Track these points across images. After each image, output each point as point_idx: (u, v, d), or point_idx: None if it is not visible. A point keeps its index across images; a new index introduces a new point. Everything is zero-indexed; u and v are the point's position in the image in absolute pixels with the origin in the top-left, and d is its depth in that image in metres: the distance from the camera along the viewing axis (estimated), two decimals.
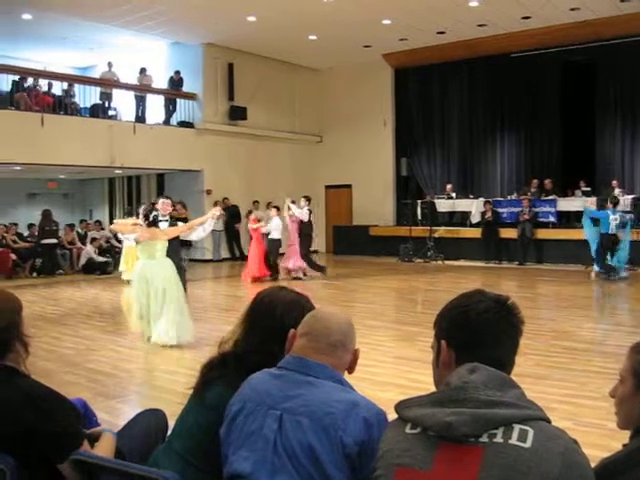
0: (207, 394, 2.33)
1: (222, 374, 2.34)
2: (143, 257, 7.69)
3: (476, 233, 17.03)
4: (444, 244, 17.47)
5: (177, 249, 8.59)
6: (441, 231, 17.72)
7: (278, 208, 14.94)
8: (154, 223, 7.71)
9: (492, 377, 1.58)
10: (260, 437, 1.87)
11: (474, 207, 17.86)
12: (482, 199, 17.76)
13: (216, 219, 8.47)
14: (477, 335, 1.69)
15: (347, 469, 1.78)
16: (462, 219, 18.31)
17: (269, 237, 14.68)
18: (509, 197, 17.93)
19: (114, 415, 5.13)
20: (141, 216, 7.92)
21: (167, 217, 8.46)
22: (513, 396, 1.55)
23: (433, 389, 1.69)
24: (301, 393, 1.90)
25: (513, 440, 1.45)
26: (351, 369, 2.08)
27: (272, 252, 14.61)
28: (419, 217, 18.21)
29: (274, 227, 14.61)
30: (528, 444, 1.44)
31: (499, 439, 1.46)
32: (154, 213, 7.69)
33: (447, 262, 16.97)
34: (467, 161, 20.03)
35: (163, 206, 8.43)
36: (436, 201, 18.47)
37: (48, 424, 2.24)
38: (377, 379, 5.66)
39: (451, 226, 18.20)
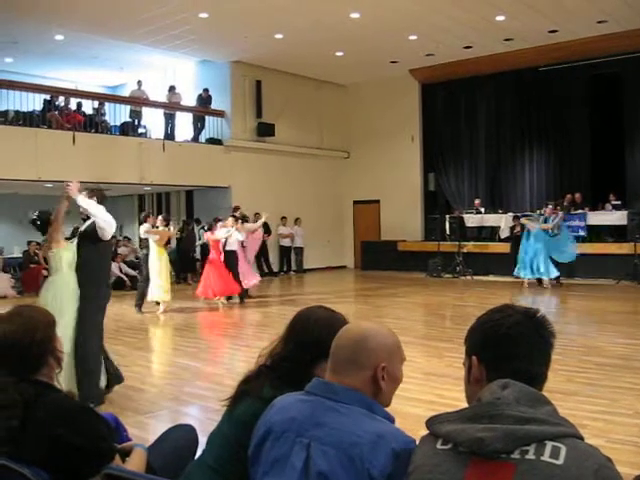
0: (237, 407, 2.36)
1: (254, 387, 2.37)
2: None
3: (505, 248, 16.89)
4: (473, 259, 17.36)
5: None
6: (470, 246, 17.63)
7: (236, 218, 14.22)
8: None
9: (524, 393, 1.56)
10: (287, 465, 1.84)
11: (503, 222, 17.74)
12: (511, 214, 17.64)
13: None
14: (507, 350, 1.68)
15: None
16: (491, 234, 18.20)
17: (226, 249, 13.49)
18: (538, 211, 17.79)
19: (144, 430, 5.17)
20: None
21: None
22: (545, 413, 1.53)
23: (462, 405, 1.68)
24: (328, 421, 1.85)
25: (545, 457, 1.43)
26: (379, 388, 1.92)
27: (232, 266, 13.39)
28: (447, 232, 18.12)
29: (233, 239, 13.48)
30: (561, 461, 1.42)
31: (531, 456, 1.44)
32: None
33: (476, 277, 16.86)
34: (495, 175, 19.92)
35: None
36: (464, 216, 18.39)
37: (80, 438, 2.27)
38: (406, 395, 5.63)
39: (480, 241, 18.09)
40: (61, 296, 5.77)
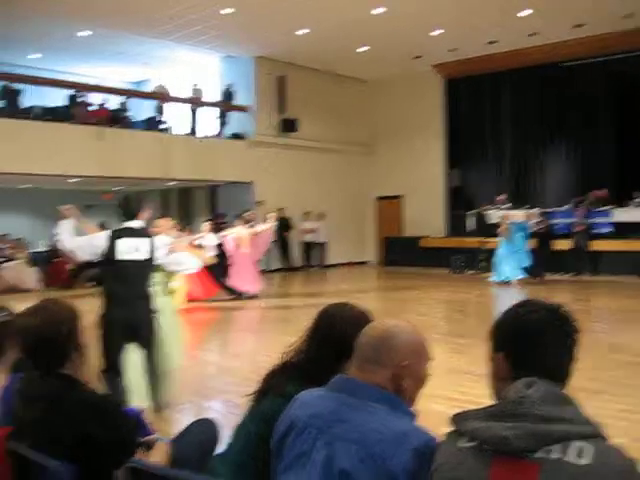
0: (261, 403, 2.38)
1: (278, 383, 2.38)
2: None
3: (530, 244, 16.77)
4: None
5: None
6: (493, 242, 17.50)
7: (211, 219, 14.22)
8: None
9: (549, 392, 1.55)
10: (309, 461, 1.85)
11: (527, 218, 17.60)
12: (536, 209, 17.51)
13: None
14: (531, 346, 1.67)
15: None
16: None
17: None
18: (563, 208, 17.64)
19: (168, 424, 5.20)
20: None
21: None
22: (570, 412, 1.52)
23: (484, 402, 1.67)
24: (351, 418, 1.85)
25: (570, 457, 1.43)
26: (400, 387, 1.92)
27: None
28: (471, 228, 18.02)
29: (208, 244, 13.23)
30: (585, 461, 1.42)
31: (556, 455, 1.44)
32: None
33: None
34: (519, 171, 19.76)
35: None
36: (488, 212, 18.28)
37: (105, 431, 2.29)
38: (428, 391, 5.58)
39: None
40: None
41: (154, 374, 5.44)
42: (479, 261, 17.12)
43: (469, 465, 1.52)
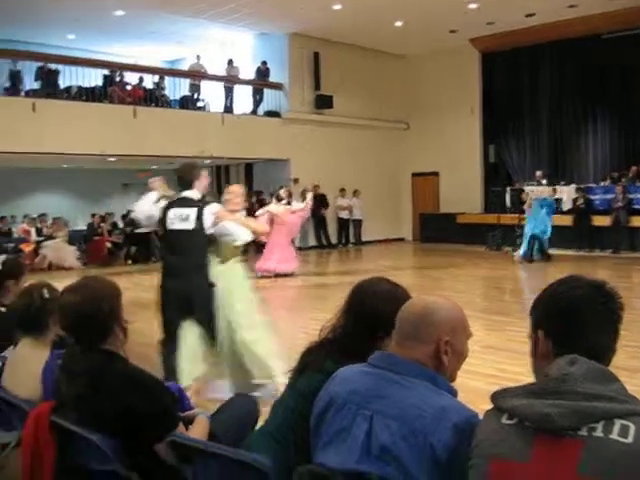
0: (299, 379, 2.39)
1: (316, 359, 2.39)
2: (238, 260, 5.68)
3: (567, 221, 16.55)
4: None
5: None
6: None
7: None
8: None
9: (592, 370, 1.53)
10: (349, 436, 1.85)
11: (565, 194, 17.36)
12: (574, 186, 17.27)
13: None
14: (574, 323, 1.64)
15: (437, 475, 1.72)
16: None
17: None
18: (602, 183, 17.37)
19: (205, 399, 5.26)
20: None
21: None
22: (614, 390, 1.50)
23: (523, 379, 1.65)
24: (391, 393, 1.85)
25: (614, 435, 1.41)
26: (441, 363, 1.91)
27: None
28: (508, 204, 17.84)
29: None
30: (630, 439, 1.40)
31: (599, 433, 1.42)
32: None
33: None
34: (558, 147, 19.46)
35: None
36: (526, 188, 18.05)
37: (146, 406, 2.33)
38: (465, 368, 5.56)
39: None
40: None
41: (216, 353, 5.26)
42: (516, 237, 16.93)
43: (511, 442, 1.51)
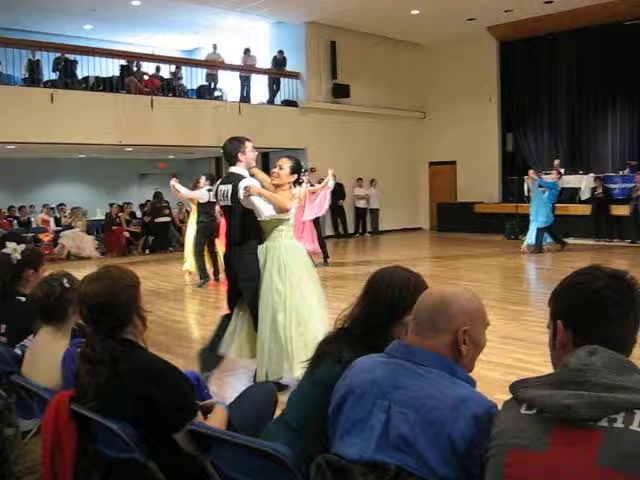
0: (317, 369, 2.40)
1: (333, 349, 2.39)
2: (289, 237, 5.29)
3: (586, 210, 16.44)
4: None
5: None
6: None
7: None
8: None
9: (613, 360, 1.52)
10: (367, 426, 1.85)
11: (584, 183, 17.24)
12: (592, 175, 17.13)
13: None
14: (594, 314, 1.63)
15: (456, 465, 1.72)
16: (571, 195, 17.70)
17: None
18: (621, 172, 17.21)
19: (222, 388, 5.29)
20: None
21: None
22: (635, 381, 1.48)
23: (540, 369, 1.65)
24: (409, 384, 1.85)
25: (635, 426, 1.40)
26: (460, 353, 1.91)
27: None
28: (526, 193, 17.73)
29: None
30: None
31: (620, 424, 1.41)
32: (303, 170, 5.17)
33: None
34: (576, 136, 19.29)
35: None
36: (544, 177, 17.93)
37: (165, 395, 2.34)
38: (483, 358, 5.55)
39: (559, 203, 17.61)
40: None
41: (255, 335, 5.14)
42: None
43: (530, 433, 1.51)
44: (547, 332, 1.76)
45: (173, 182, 11.45)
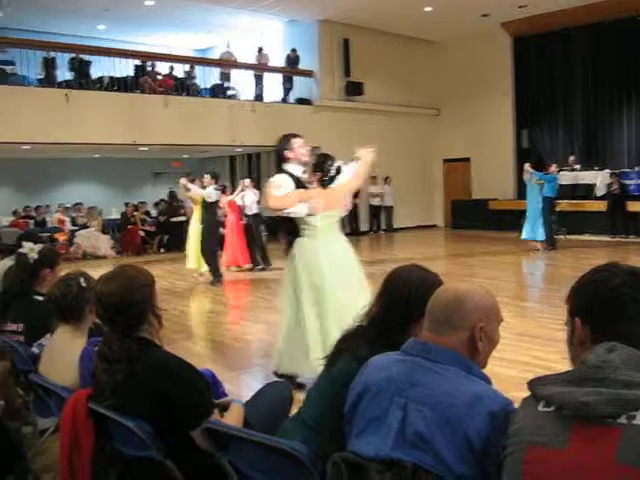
0: (333, 367, 2.40)
1: (350, 346, 2.40)
2: (323, 236, 5.06)
3: (601, 206, 16.34)
4: (567, 218, 16.83)
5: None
6: (564, 204, 17.07)
7: (253, 179, 13.79)
8: (334, 180, 5.17)
9: (631, 357, 1.51)
10: (384, 424, 1.86)
11: (599, 179, 17.13)
12: (608, 171, 17.02)
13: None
14: (612, 311, 1.61)
15: (472, 463, 1.72)
16: (586, 192, 17.59)
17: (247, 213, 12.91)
18: (637, 168, 17.09)
19: (237, 386, 5.30)
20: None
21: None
22: None
23: (556, 366, 1.65)
24: (425, 381, 1.85)
25: None
26: (476, 349, 1.92)
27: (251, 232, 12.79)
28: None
29: (249, 201, 12.86)
30: None
31: (638, 421, 1.40)
32: (338, 163, 5.22)
33: (570, 236, 16.39)
34: (591, 131, 19.16)
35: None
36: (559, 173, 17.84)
37: (182, 393, 2.35)
38: (498, 355, 5.53)
39: (574, 199, 17.54)
40: None
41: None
42: (550, 224, 16.75)
43: (548, 430, 1.50)
44: (563, 329, 1.76)
45: (183, 181, 11.51)
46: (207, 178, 11.41)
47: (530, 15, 18.52)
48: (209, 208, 11.16)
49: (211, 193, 11.09)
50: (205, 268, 11.36)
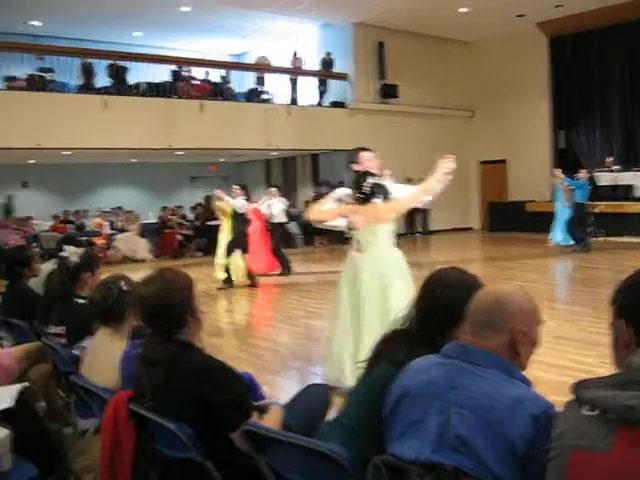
0: (373, 370, 2.40)
1: (390, 349, 2.39)
2: (365, 250, 5.07)
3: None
4: (606, 220, 16.57)
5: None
6: (602, 206, 16.85)
7: (279, 187, 13.84)
8: (373, 196, 4.99)
9: None
10: (424, 427, 1.85)
11: (638, 180, 16.88)
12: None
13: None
14: None
15: (514, 466, 1.70)
16: (625, 193, 17.33)
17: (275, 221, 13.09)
18: None
19: (275, 389, 5.32)
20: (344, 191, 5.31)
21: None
22: None
23: (595, 370, 1.64)
24: (465, 384, 1.84)
25: None
26: (517, 352, 1.91)
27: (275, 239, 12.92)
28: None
29: (276, 210, 13.03)
30: None
31: None
32: (370, 180, 4.99)
33: (609, 238, 16.15)
34: (630, 132, 18.86)
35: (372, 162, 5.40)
36: (597, 174, 17.60)
37: (222, 395, 2.37)
38: (537, 359, 5.46)
39: (613, 200, 17.28)
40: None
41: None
42: (587, 225, 16.53)
43: (593, 434, 1.49)
44: (603, 332, 1.74)
45: (219, 192, 11.62)
46: (238, 189, 11.51)
47: (566, 15, 18.30)
48: (239, 218, 11.29)
49: (243, 205, 11.24)
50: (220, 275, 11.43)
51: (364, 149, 5.31)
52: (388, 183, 5.38)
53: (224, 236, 11.61)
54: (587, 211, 14.54)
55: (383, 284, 4.91)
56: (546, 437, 1.63)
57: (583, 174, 14.73)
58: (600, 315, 7.67)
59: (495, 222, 20.13)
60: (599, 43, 18.98)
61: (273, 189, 13.43)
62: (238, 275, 11.38)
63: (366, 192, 4.86)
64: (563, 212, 14.35)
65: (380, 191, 4.99)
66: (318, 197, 15.02)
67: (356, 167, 5.15)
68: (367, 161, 5.20)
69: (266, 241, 12.70)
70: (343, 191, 5.17)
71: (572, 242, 14.24)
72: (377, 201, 5.00)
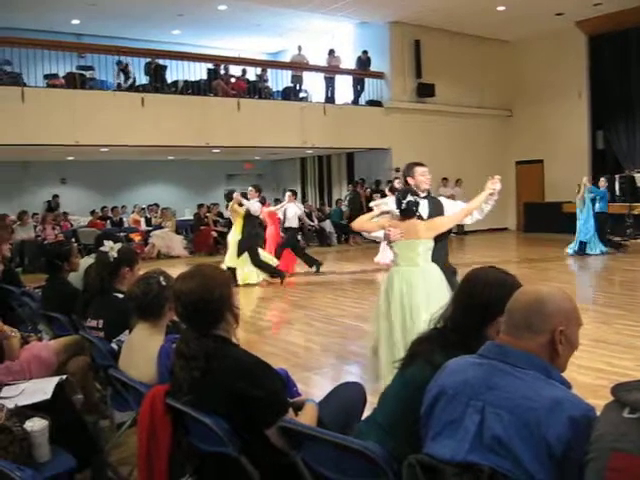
0: (408, 369, 2.40)
1: (425, 350, 2.39)
2: (401, 263, 5.04)
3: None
4: None
5: (443, 250, 5.50)
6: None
7: (294, 192, 13.68)
8: (411, 213, 4.96)
9: None
10: (461, 427, 1.84)
11: None
12: None
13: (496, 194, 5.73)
14: None
15: (551, 468, 1.69)
16: None
17: (285, 226, 13.03)
18: None
19: (309, 386, 5.34)
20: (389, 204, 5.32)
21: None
22: None
23: (632, 374, 1.61)
24: (502, 385, 1.83)
25: None
26: (556, 353, 1.89)
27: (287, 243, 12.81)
28: (617, 193, 17.19)
29: (290, 214, 12.89)
30: None
31: None
32: (409, 198, 4.94)
33: None
34: None
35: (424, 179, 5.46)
36: (636, 175, 17.34)
37: (258, 391, 2.39)
38: (574, 362, 5.39)
39: None
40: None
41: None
42: (626, 228, 16.30)
43: (634, 436, 1.47)
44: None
45: (238, 196, 11.63)
46: (253, 191, 11.53)
47: (605, 13, 18.04)
48: (251, 220, 11.33)
49: (257, 207, 11.32)
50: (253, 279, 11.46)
51: (418, 164, 5.42)
52: (442, 199, 5.62)
53: (234, 236, 11.64)
54: (606, 218, 14.71)
55: (412, 301, 4.88)
56: (585, 439, 1.61)
57: (603, 182, 14.63)
58: (637, 318, 7.57)
59: (531, 223, 19.94)
60: (638, 41, 18.68)
61: (288, 193, 13.35)
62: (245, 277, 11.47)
63: (404, 209, 4.92)
64: (592, 222, 14.16)
65: (417, 209, 5.03)
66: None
67: (410, 181, 5.29)
68: (420, 176, 5.33)
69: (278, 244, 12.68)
70: (387, 200, 5.39)
71: (603, 249, 14.10)
72: (415, 219, 5.02)
